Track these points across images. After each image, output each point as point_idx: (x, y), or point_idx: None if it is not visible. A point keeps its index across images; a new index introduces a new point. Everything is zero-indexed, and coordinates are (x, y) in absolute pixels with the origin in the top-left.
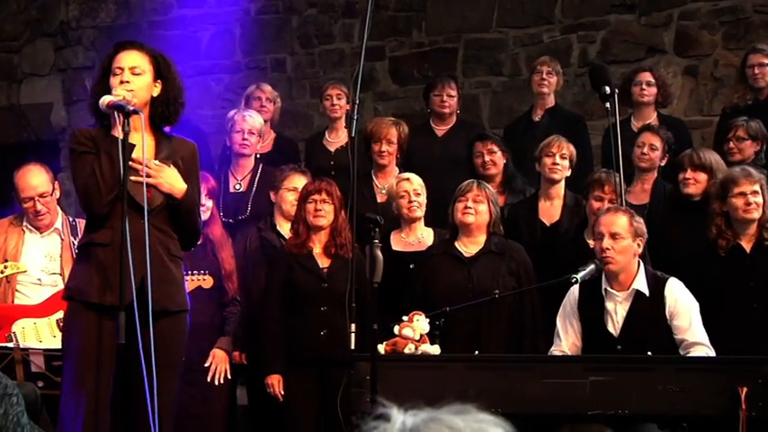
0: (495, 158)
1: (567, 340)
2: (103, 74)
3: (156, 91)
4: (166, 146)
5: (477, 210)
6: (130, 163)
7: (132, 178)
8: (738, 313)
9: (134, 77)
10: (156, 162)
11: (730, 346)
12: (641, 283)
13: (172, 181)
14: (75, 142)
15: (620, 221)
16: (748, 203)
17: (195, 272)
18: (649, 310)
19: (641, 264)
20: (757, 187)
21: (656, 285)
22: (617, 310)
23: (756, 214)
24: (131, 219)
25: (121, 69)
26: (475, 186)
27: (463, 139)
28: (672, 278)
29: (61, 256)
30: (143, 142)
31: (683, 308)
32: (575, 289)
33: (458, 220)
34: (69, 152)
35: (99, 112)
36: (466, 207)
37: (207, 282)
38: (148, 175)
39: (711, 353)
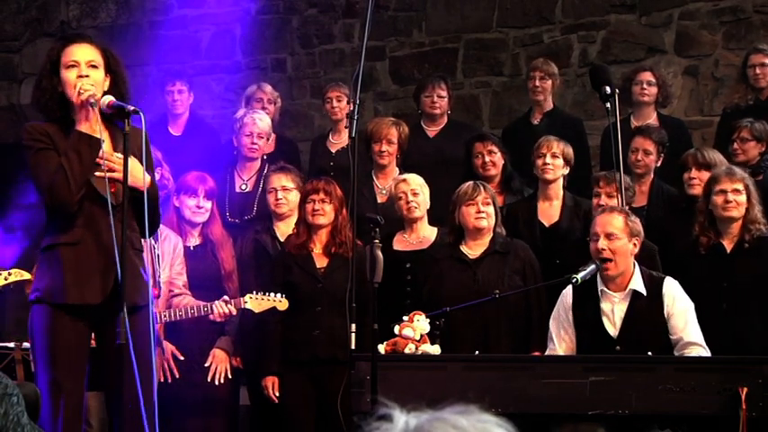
0: (494, 159)
1: (560, 344)
2: (52, 67)
3: (107, 85)
4: (122, 138)
5: (488, 213)
6: (98, 159)
7: (98, 174)
8: (709, 313)
9: (91, 70)
10: (119, 155)
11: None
12: (638, 283)
13: (136, 174)
14: (30, 138)
15: (616, 222)
16: (727, 201)
17: (270, 293)
18: (648, 309)
19: (636, 264)
20: (739, 186)
21: (653, 285)
22: (615, 311)
23: (735, 213)
24: (98, 215)
25: (77, 63)
26: (482, 189)
27: (455, 140)
28: (668, 277)
29: None
30: (142, 139)
31: (679, 307)
32: (568, 292)
33: (470, 225)
34: (25, 148)
35: (48, 107)
36: (479, 211)
37: (282, 304)
38: (114, 170)
39: (706, 353)
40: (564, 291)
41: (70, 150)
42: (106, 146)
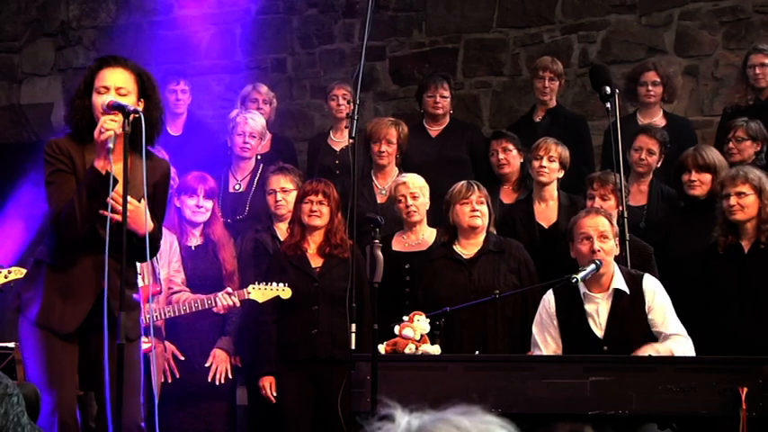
0: (509, 157)
1: (546, 348)
2: (86, 88)
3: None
4: (142, 171)
5: (482, 212)
6: (108, 199)
7: (102, 212)
8: (728, 312)
9: (120, 99)
10: (129, 199)
11: (720, 344)
12: (620, 282)
13: (139, 220)
14: (52, 156)
15: (605, 222)
16: (730, 205)
17: (272, 283)
18: (631, 307)
19: (615, 263)
20: (744, 188)
21: (634, 282)
22: (599, 311)
23: (740, 215)
24: (94, 248)
25: (107, 89)
26: (476, 188)
27: (457, 140)
28: (646, 274)
29: None
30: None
31: (659, 302)
32: (549, 298)
33: (465, 224)
34: (45, 163)
35: (78, 127)
36: (473, 210)
37: (285, 293)
38: (119, 212)
39: (689, 342)
40: (545, 296)
41: (83, 187)
42: (119, 186)
